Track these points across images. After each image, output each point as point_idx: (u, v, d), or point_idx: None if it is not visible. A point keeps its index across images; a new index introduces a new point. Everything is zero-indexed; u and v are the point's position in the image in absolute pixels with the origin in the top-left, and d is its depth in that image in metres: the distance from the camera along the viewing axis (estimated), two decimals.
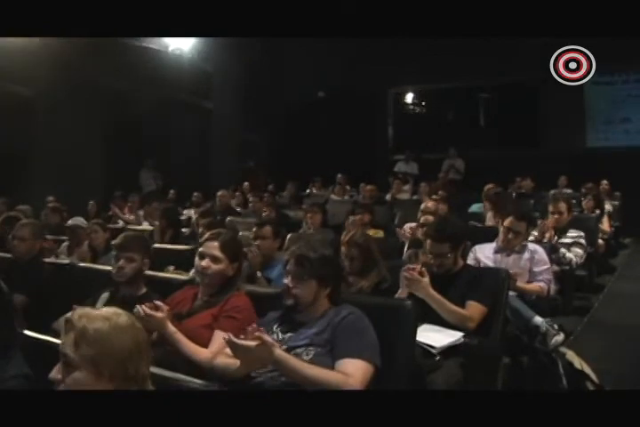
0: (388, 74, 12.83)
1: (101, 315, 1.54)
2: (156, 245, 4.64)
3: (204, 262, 2.69)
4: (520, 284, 3.80)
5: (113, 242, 3.37)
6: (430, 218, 4.67)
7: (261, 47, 11.73)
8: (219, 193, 8.49)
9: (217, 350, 2.42)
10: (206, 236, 2.80)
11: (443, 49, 10.97)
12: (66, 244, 5.32)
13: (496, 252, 4.09)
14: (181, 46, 11.49)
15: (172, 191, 10.36)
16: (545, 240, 4.63)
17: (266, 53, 12.33)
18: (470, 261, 4.01)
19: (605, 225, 6.76)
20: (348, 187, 11.01)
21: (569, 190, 9.79)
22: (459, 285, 3.17)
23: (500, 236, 4.09)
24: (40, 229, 4.19)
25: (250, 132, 13.41)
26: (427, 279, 3.00)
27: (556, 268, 4.46)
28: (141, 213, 7.93)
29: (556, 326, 3.48)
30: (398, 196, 9.94)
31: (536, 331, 3.45)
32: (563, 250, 4.63)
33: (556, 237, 4.82)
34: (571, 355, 3.46)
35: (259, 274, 3.65)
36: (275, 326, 2.42)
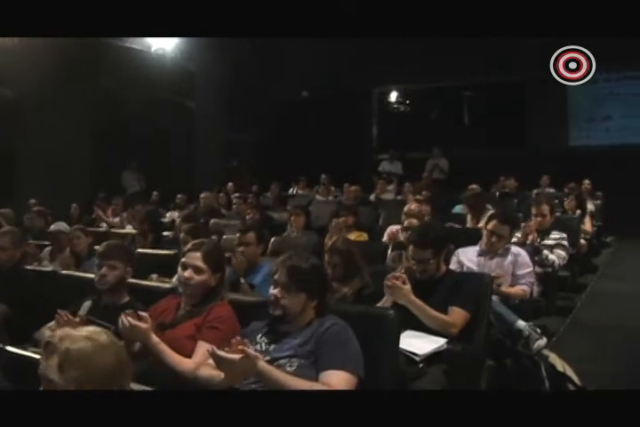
0: (372, 73, 12.86)
1: (82, 335, 1.54)
2: (140, 250, 4.63)
3: (187, 273, 2.68)
4: (503, 288, 3.83)
5: (96, 249, 3.35)
6: (414, 221, 4.69)
7: (245, 47, 11.70)
8: (202, 195, 8.47)
9: (200, 361, 2.42)
10: (189, 246, 2.79)
11: (427, 48, 11.00)
12: (48, 249, 5.28)
13: (479, 255, 4.11)
14: (164, 46, 11.43)
15: (155, 193, 10.31)
16: (528, 242, 4.67)
17: (250, 53, 12.29)
18: (453, 264, 4.04)
19: (587, 225, 6.82)
20: (332, 187, 11.01)
21: (552, 190, 9.86)
22: (441, 290, 3.18)
23: (484, 239, 4.11)
24: (20, 237, 4.14)
25: (234, 132, 13.36)
26: (408, 286, 3.01)
27: (538, 269, 4.50)
28: (125, 215, 7.89)
29: (538, 330, 3.51)
30: (382, 196, 9.95)
31: (519, 335, 3.47)
32: (545, 252, 4.67)
33: (538, 239, 4.86)
34: (553, 357, 3.49)
35: (242, 280, 3.64)
36: (258, 337, 2.42)
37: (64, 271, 4.05)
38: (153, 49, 11.33)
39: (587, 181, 9.40)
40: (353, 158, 13.17)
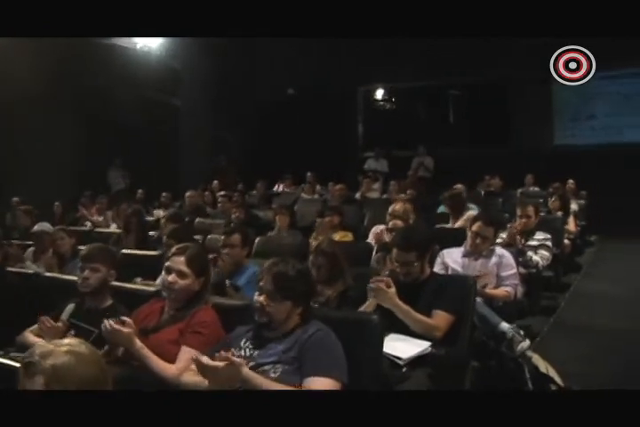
0: (358, 72, 12.86)
1: (62, 350, 1.54)
2: (124, 251, 4.61)
3: (171, 278, 2.67)
4: (487, 290, 3.85)
5: (80, 250, 3.33)
6: (398, 222, 4.69)
7: (231, 45, 11.65)
8: (187, 194, 8.44)
9: (184, 367, 2.41)
10: (173, 250, 2.78)
11: (414, 47, 11.01)
12: (32, 249, 5.24)
13: (464, 256, 4.12)
14: (149, 44, 11.38)
15: (140, 191, 10.26)
16: (515, 243, 4.70)
17: (236, 51, 12.25)
18: (438, 265, 4.05)
19: (571, 225, 6.87)
20: (317, 186, 11.00)
21: (536, 188, 9.91)
22: (426, 293, 3.18)
23: (468, 240, 4.13)
24: None
25: (219, 130, 13.32)
26: (393, 290, 3.01)
27: (522, 270, 4.52)
28: (109, 213, 7.85)
29: (522, 333, 3.53)
30: (368, 194, 9.94)
31: (502, 337, 3.49)
32: (530, 253, 4.71)
33: (523, 241, 4.89)
34: (536, 358, 3.52)
35: (227, 282, 3.63)
36: (242, 342, 2.41)
37: (47, 273, 4.02)
38: (138, 46, 11.27)
39: (571, 181, 9.45)
40: (338, 156, 13.16)
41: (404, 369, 2.74)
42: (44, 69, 9.24)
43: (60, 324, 2.78)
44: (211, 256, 3.50)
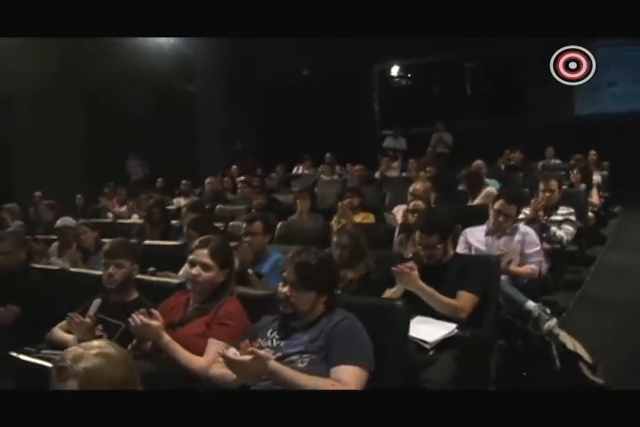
0: (372, 49, 12.69)
1: (92, 353, 1.56)
2: (146, 242, 4.65)
3: (195, 270, 2.68)
4: (512, 268, 3.82)
5: (103, 248, 3.35)
6: (419, 203, 4.67)
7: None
8: (207, 180, 8.46)
9: (212, 359, 2.42)
10: (196, 243, 2.78)
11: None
12: (56, 244, 5.29)
13: (487, 234, 4.09)
14: None
15: (159, 180, 10.30)
16: (538, 219, 4.64)
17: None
18: (461, 244, 4.03)
19: (595, 198, 6.76)
20: (337, 166, 10.95)
21: (557, 161, 9.78)
22: (449, 275, 3.17)
23: (491, 219, 4.10)
24: (22, 235, 4.12)
25: (235, 115, 13.29)
26: (416, 272, 3.01)
27: (547, 246, 4.48)
28: (130, 204, 7.90)
29: (548, 311, 3.49)
30: (387, 173, 9.90)
31: (528, 316, 3.46)
32: (553, 228, 4.64)
33: (546, 216, 4.83)
34: (563, 336, 3.48)
35: (250, 271, 3.64)
36: (269, 332, 2.42)
37: (72, 269, 4.06)
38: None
39: (592, 152, 9.30)
40: (356, 136, 13.11)
41: (430, 353, 2.74)
42: (59, 60, 9.25)
43: (88, 319, 2.81)
44: (232, 244, 3.50)
